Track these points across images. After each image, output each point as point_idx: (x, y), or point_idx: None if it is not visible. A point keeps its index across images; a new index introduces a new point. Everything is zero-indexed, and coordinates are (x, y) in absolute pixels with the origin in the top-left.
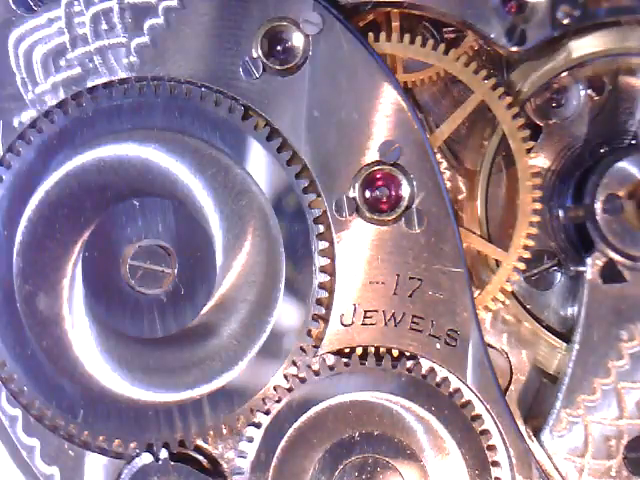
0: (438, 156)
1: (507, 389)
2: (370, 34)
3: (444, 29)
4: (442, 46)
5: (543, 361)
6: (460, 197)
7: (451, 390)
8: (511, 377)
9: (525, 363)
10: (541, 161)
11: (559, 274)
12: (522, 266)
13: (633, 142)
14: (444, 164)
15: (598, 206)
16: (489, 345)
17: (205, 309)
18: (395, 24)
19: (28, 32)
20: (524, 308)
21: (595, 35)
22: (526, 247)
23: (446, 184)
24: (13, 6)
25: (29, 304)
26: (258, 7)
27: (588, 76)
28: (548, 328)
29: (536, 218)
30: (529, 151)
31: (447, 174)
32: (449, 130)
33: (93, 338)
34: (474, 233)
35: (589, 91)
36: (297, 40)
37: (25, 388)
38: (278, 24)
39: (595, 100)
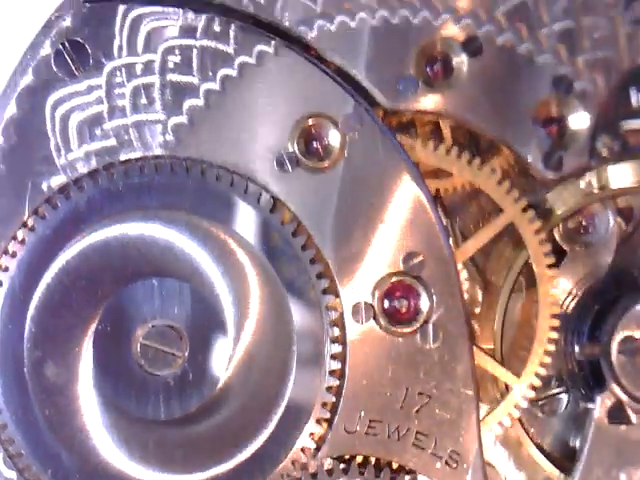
0: (459, 265)
1: None
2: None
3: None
4: (477, 161)
5: None
6: (477, 310)
7: None
8: None
9: None
10: (563, 286)
11: (565, 400)
12: (532, 394)
13: None
14: (464, 274)
15: (614, 346)
16: (488, 464)
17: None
18: (446, 132)
19: (67, 97)
20: (526, 432)
21: (631, 165)
22: (538, 375)
23: (464, 296)
24: (54, 68)
25: (37, 370)
26: (299, 100)
27: (619, 205)
28: (549, 456)
29: (552, 347)
30: (552, 278)
31: (466, 285)
32: (475, 247)
33: (97, 412)
34: (488, 354)
35: (618, 219)
36: (334, 139)
37: (23, 452)
38: (317, 120)
39: (623, 229)
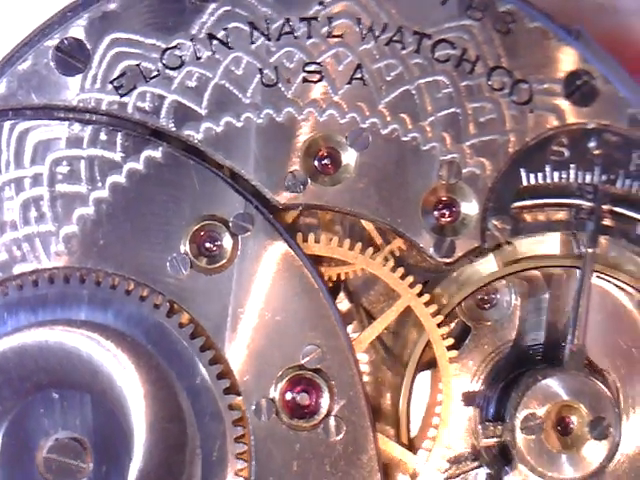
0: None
1: None
2: (299, 234)
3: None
4: (370, 250)
5: None
6: (383, 389)
7: None
8: None
9: None
10: (468, 364)
11: (484, 474)
12: (441, 476)
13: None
14: (366, 357)
15: (517, 424)
16: None
17: None
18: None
19: None
20: None
21: (523, 242)
22: (444, 457)
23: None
24: None
25: None
26: (189, 204)
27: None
28: None
29: (458, 429)
30: (452, 360)
31: (369, 368)
32: (374, 334)
33: None
34: (394, 438)
35: (522, 293)
36: (226, 240)
37: None
38: (208, 222)
39: (527, 300)
